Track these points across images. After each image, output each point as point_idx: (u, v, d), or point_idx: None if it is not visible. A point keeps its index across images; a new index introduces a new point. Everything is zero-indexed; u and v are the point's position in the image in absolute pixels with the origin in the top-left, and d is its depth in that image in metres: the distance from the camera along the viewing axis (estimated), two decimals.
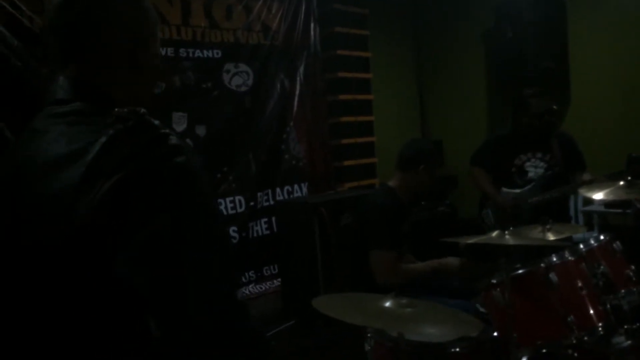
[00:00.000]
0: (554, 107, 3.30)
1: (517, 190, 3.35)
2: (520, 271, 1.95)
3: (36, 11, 3.28)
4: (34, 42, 3.26)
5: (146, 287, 0.75)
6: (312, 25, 4.71)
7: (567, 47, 4.80)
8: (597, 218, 4.51)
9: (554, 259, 1.93)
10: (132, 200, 0.76)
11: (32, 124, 0.93)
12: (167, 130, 0.83)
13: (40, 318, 0.83)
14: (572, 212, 4.44)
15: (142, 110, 0.85)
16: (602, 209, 4.31)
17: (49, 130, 0.89)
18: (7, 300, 0.87)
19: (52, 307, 0.82)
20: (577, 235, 3.11)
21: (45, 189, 0.82)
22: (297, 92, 4.64)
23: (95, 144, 0.80)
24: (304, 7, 4.65)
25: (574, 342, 1.77)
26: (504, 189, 3.39)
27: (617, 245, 2.07)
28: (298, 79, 4.65)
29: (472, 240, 1.96)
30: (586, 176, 3.19)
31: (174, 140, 0.82)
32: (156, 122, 0.84)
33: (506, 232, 1.88)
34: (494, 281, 1.96)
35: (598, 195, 2.58)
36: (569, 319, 1.80)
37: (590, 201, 4.24)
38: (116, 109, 0.84)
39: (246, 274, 4.23)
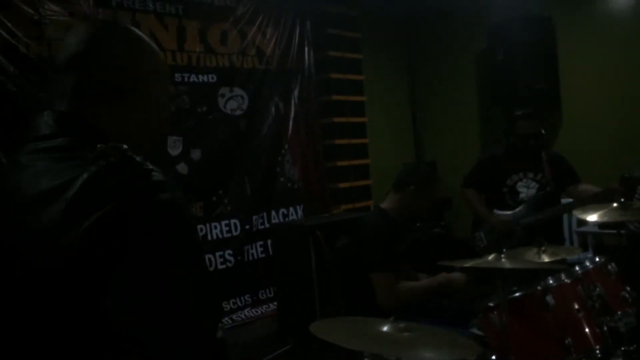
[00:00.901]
0: (541, 131, 3.34)
1: (509, 212, 3.37)
2: (517, 294, 1.96)
3: (32, 37, 3.31)
4: (30, 68, 3.28)
5: (131, 322, 0.75)
6: (306, 49, 4.77)
7: (558, 68, 4.87)
8: (592, 239, 4.52)
9: (550, 282, 1.94)
10: (114, 237, 0.75)
11: (15, 157, 0.92)
12: (151, 167, 0.83)
13: (25, 349, 0.82)
14: (566, 234, 4.46)
15: (125, 146, 0.84)
16: (596, 229, 4.32)
17: (32, 165, 0.88)
18: None
19: (38, 344, 0.81)
20: (572, 257, 3.12)
21: (28, 225, 0.82)
22: (292, 115, 4.67)
23: (77, 181, 0.79)
24: (298, 32, 4.71)
25: None
26: (496, 211, 3.41)
27: (612, 266, 2.08)
28: (293, 102, 4.69)
29: (468, 264, 1.96)
30: (583, 186, 3.22)
31: (157, 176, 0.81)
32: (139, 158, 0.83)
33: (502, 255, 1.88)
34: (491, 304, 1.96)
35: (592, 217, 2.59)
36: (566, 341, 1.80)
37: (584, 222, 4.26)
38: (99, 145, 0.84)
39: (242, 297, 4.21)
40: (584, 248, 4.27)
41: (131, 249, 0.75)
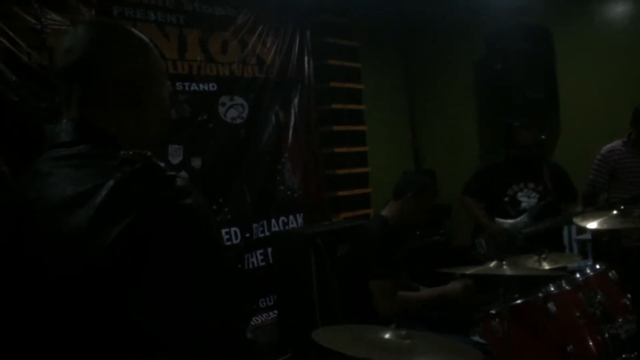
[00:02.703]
0: (542, 138, 3.36)
1: (511, 221, 3.38)
2: (518, 301, 1.96)
3: (34, 47, 3.32)
4: (31, 77, 3.29)
5: (159, 327, 0.76)
6: (305, 58, 4.79)
7: (556, 77, 4.90)
8: (591, 246, 4.53)
9: (552, 289, 1.95)
10: (142, 244, 0.77)
11: (35, 166, 0.93)
12: (173, 173, 0.84)
13: (53, 356, 0.83)
14: (566, 241, 4.47)
15: (148, 152, 0.86)
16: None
17: (53, 173, 0.89)
18: (19, 341, 0.87)
19: (64, 345, 0.82)
20: (572, 264, 3.13)
21: (53, 232, 0.82)
22: (292, 123, 4.69)
23: (103, 187, 0.80)
24: (297, 41, 4.74)
25: None
26: (497, 219, 3.42)
27: (612, 274, 2.09)
28: (292, 110, 4.70)
29: (470, 270, 1.97)
30: (578, 208, 3.23)
31: (180, 182, 0.83)
32: (162, 164, 0.85)
33: (504, 262, 1.89)
34: (493, 311, 1.97)
35: (592, 225, 2.61)
36: (568, 349, 1.80)
37: (584, 230, 4.27)
38: (122, 152, 0.85)
39: None
40: (584, 256, 4.28)
41: (157, 254, 0.77)
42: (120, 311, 0.76)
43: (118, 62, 0.98)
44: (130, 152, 0.85)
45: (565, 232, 4.57)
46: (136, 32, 1.04)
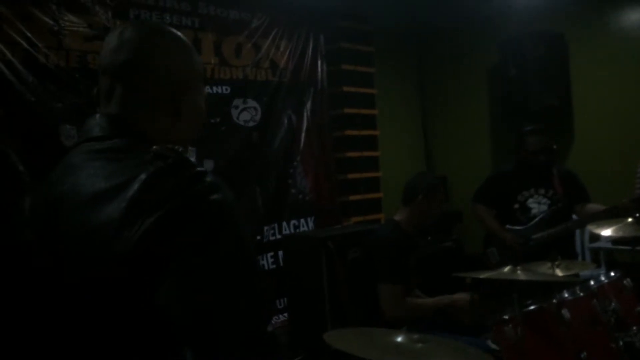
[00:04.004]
0: (552, 145, 3.34)
1: (522, 228, 3.36)
2: (532, 307, 1.95)
3: (51, 48, 3.36)
4: (48, 78, 3.33)
5: (184, 319, 0.77)
6: (319, 62, 4.81)
7: (570, 84, 4.88)
8: (604, 255, 4.49)
9: (566, 295, 1.93)
10: (172, 236, 0.79)
11: (67, 159, 0.96)
12: (203, 169, 0.86)
13: (82, 348, 0.85)
14: (578, 249, 4.44)
15: (180, 148, 0.88)
16: (609, 245, 4.30)
17: (85, 166, 0.91)
18: (50, 329, 0.89)
19: (93, 337, 0.84)
20: (585, 273, 3.11)
21: (85, 223, 0.84)
22: (304, 127, 4.70)
23: (135, 181, 0.82)
24: (311, 45, 4.76)
25: None
26: (508, 227, 3.40)
27: (627, 282, 2.08)
28: (305, 114, 4.72)
29: (484, 275, 1.97)
30: (593, 206, 3.21)
31: (209, 178, 0.85)
32: (193, 159, 0.86)
33: (518, 267, 1.88)
34: (506, 317, 1.96)
35: (606, 232, 2.60)
36: (582, 356, 1.79)
37: (597, 238, 4.24)
38: (154, 147, 0.87)
39: None
40: (597, 264, 4.25)
41: (185, 247, 0.78)
42: (147, 302, 0.77)
43: (162, 66, 1.00)
44: (162, 147, 0.87)
45: (578, 240, 4.54)
46: (182, 36, 1.06)
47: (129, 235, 0.78)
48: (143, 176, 0.83)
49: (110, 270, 0.80)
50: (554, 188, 3.37)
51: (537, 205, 3.39)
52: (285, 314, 4.20)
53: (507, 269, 1.92)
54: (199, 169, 0.86)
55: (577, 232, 4.27)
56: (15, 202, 2.98)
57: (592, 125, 4.84)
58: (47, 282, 0.88)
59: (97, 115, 0.99)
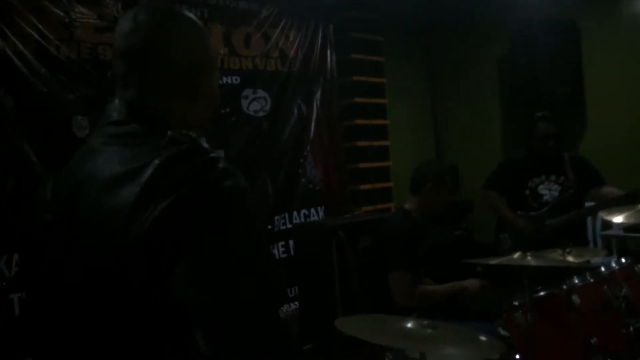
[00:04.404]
0: (559, 132, 3.33)
1: (534, 214, 3.35)
2: (542, 293, 1.95)
3: (63, 40, 3.38)
4: (60, 69, 3.36)
5: (195, 303, 0.78)
6: (328, 52, 4.81)
7: (582, 73, 4.83)
8: (616, 242, 4.47)
9: (576, 281, 1.93)
10: (184, 220, 0.80)
11: (88, 143, 0.98)
12: (217, 154, 0.87)
13: (95, 326, 0.87)
14: (590, 237, 4.42)
15: (194, 134, 0.89)
16: (621, 233, 4.27)
17: (104, 151, 0.93)
18: (64, 307, 0.92)
19: (106, 316, 0.86)
20: (596, 260, 3.09)
21: (102, 206, 0.86)
22: (314, 117, 4.71)
23: (150, 166, 0.84)
24: (320, 35, 4.75)
25: None
26: (520, 213, 3.39)
27: (638, 268, 2.07)
28: (315, 104, 4.72)
29: (494, 261, 1.97)
30: (608, 189, 3.19)
31: (222, 164, 0.86)
32: (206, 145, 0.88)
33: (528, 254, 1.89)
34: (516, 303, 1.96)
35: (618, 219, 2.58)
36: (592, 341, 1.79)
37: (609, 225, 4.21)
38: (169, 132, 0.88)
39: None
40: (609, 251, 4.23)
41: (197, 232, 0.79)
42: (160, 285, 0.79)
43: (176, 50, 1.01)
44: (177, 133, 0.88)
45: (589, 228, 4.52)
46: (195, 19, 1.06)
47: (142, 219, 0.80)
48: (157, 161, 0.84)
49: (124, 252, 0.82)
50: (565, 174, 3.36)
51: (548, 191, 3.38)
52: (296, 303, 4.23)
53: (517, 255, 1.93)
54: (212, 155, 0.87)
55: (589, 219, 4.25)
56: (30, 191, 3.02)
57: (604, 113, 4.80)
58: (65, 263, 0.91)
59: (116, 101, 1.00)
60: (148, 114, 0.98)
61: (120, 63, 1.02)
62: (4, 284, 3.07)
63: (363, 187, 4.93)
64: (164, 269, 0.79)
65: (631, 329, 1.84)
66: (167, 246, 0.79)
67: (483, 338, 1.84)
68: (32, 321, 1.02)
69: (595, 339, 1.79)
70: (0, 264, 3.07)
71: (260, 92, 4.37)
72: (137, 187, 0.83)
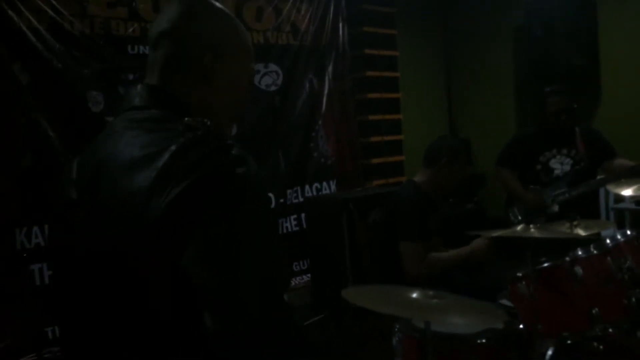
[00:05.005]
0: (572, 106, 3.30)
1: (545, 188, 3.36)
2: (545, 264, 1.99)
3: (76, 15, 3.42)
4: (74, 45, 3.40)
5: (203, 282, 0.83)
6: (340, 25, 4.78)
7: (598, 44, 4.76)
8: (630, 216, 4.46)
9: (579, 253, 1.96)
10: (197, 204, 0.85)
11: (111, 126, 1.03)
12: (231, 142, 0.92)
13: (113, 299, 0.93)
14: (603, 211, 4.41)
15: (209, 121, 0.93)
16: (633, 206, 4.26)
17: (125, 134, 0.98)
18: (85, 280, 0.98)
19: (123, 292, 0.91)
20: (607, 232, 3.10)
21: (121, 188, 0.91)
22: (326, 91, 4.71)
23: (166, 151, 0.88)
24: (332, 8, 4.72)
25: (599, 333, 1.80)
26: (531, 187, 3.40)
27: None
28: (327, 78, 4.72)
29: (497, 233, 2.00)
30: (620, 161, 3.18)
31: (235, 151, 0.91)
32: (220, 132, 0.93)
33: (531, 225, 1.91)
34: (519, 274, 2.00)
35: (627, 192, 2.59)
36: (593, 312, 1.83)
37: (622, 199, 4.20)
38: (186, 118, 0.93)
39: None
40: (621, 225, 4.22)
41: (209, 215, 0.84)
42: (173, 265, 0.84)
43: (194, 33, 1.04)
44: (194, 120, 0.93)
45: (602, 201, 4.51)
46: (224, 9, 1.09)
47: (157, 202, 0.84)
48: (173, 147, 0.88)
49: (141, 233, 0.86)
50: (577, 148, 3.35)
51: (560, 165, 3.38)
52: (308, 275, 4.31)
53: (520, 227, 1.95)
54: (226, 142, 0.92)
55: (602, 193, 4.24)
56: (47, 165, 3.10)
57: (620, 85, 4.74)
58: (87, 239, 0.96)
59: (139, 86, 1.05)
60: (168, 100, 1.02)
61: (150, 51, 1.07)
62: (25, 255, 3.17)
63: (375, 161, 4.95)
64: (177, 249, 0.83)
65: (633, 299, 1.87)
66: (181, 228, 0.84)
67: (487, 307, 1.88)
68: (58, 293, 1.07)
69: (596, 309, 1.83)
70: (20, 236, 3.17)
71: (272, 67, 4.38)
72: (154, 171, 0.87)
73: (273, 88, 4.38)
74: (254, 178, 0.90)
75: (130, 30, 3.60)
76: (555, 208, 3.23)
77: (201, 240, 0.83)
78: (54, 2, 3.31)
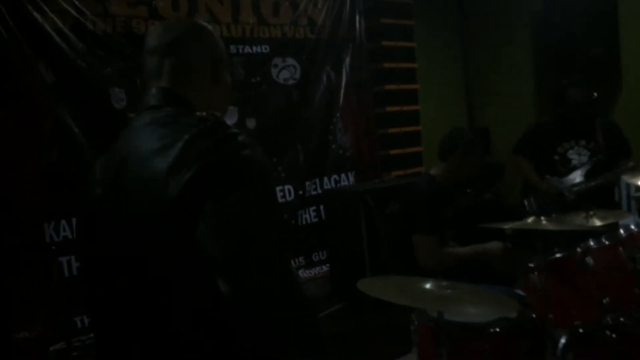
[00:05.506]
0: (591, 97, 3.29)
1: (562, 178, 3.37)
2: (557, 255, 2.02)
3: (99, 15, 3.51)
4: (97, 44, 3.50)
5: (215, 251, 0.94)
6: (357, 17, 4.80)
7: (618, 33, 4.70)
8: None
9: (591, 244, 1.99)
10: (209, 184, 0.97)
11: (132, 124, 1.17)
12: (237, 130, 1.05)
13: (136, 270, 1.05)
14: (624, 200, 4.38)
15: (219, 114, 1.09)
16: None
17: (144, 130, 1.12)
18: (107, 265, 1.11)
19: (144, 265, 1.04)
20: (624, 221, 3.10)
21: (142, 175, 1.04)
22: (343, 83, 4.74)
23: (180, 141, 1.02)
24: (349, 0, 4.74)
25: (610, 322, 1.83)
26: (548, 177, 3.41)
27: None
28: (344, 70, 4.75)
29: (507, 225, 2.03)
30: (631, 164, 3.17)
31: (241, 137, 1.03)
32: (229, 123, 1.07)
33: (542, 217, 1.94)
34: (532, 265, 2.03)
35: None
36: (604, 301, 1.86)
37: None
38: (198, 113, 1.09)
39: (296, 259, 4.39)
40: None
41: (220, 193, 0.97)
42: (189, 237, 0.96)
43: (201, 45, 1.24)
44: (204, 113, 1.08)
45: (623, 190, 4.48)
46: (210, 28, 1.30)
47: (174, 185, 0.97)
48: (186, 137, 1.02)
49: (160, 212, 0.99)
50: (595, 140, 3.34)
51: (578, 156, 3.38)
52: (327, 265, 4.38)
53: (530, 219, 1.99)
54: (233, 130, 1.05)
55: (623, 182, 4.21)
56: (73, 160, 3.23)
57: None
58: (114, 227, 1.09)
59: (153, 89, 1.20)
60: (179, 99, 1.18)
61: (154, 58, 1.22)
62: (54, 248, 3.29)
63: (393, 152, 4.98)
64: (192, 224, 0.95)
65: None
66: (194, 206, 0.96)
67: (499, 298, 1.92)
68: (87, 283, 1.20)
69: (607, 299, 1.86)
70: (49, 230, 3.29)
71: (290, 61, 4.43)
72: (170, 158, 1.00)
73: (291, 82, 4.43)
74: (258, 159, 1.03)
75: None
76: (573, 196, 3.24)
77: (212, 214, 0.95)
78: (76, 3, 3.40)
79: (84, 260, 1.39)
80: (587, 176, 3.28)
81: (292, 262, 4.36)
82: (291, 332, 0.99)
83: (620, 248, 1.95)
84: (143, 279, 1.04)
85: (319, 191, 4.56)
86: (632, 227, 2.12)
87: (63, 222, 3.32)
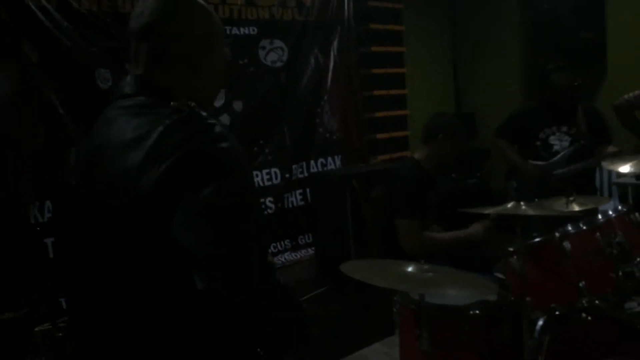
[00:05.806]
0: (577, 81, 3.31)
1: (543, 163, 3.40)
2: (536, 239, 2.06)
3: None
4: (82, 23, 3.46)
5: (191, 246, 0.92)
6: (345, 0, 4.78)
7: (605, 17, 4.73)
8: (632, 190, 4.49)
9: (569, 228, 2.03)
10: (184, 176, 0.94)
11: (105, 114, 1.12)
12: (213, 121, 1.01)
13: (113, 269, 1.03)
14: (604, 185, 4.45)
15: (193, 103, 1.02)
16: (634, 181, 4.30)
17: (117, 120, 1.07)
18: (88, 255, 1.09)
19: (121, 262, 1.02)
20: (603, 206, 3.16)
21: (116, 167, 1.01)
22: (331, 66, 4.74)
23: (155, 132, 0.98)
24: None
25: (586, 305, 1.88)
26: (530, 162, 3.45)
27: (634, 216, 2.15)
28: (332, 53, 4.74)
29: (488, 210, 2.07)
30: (611, 149, 3.22)
31: (218, 129, 0.99)
32: (204, 113, 1.02)
33: (522, 202, 1.98)
34: (511, 249, 2.07)
35: (624, 168, 2.63)
36: (580, 285, 1.90)
37: (623, 173, 4.24)
38: (172, 102, 1.02)
39: (282, 242, 4.43)
40: (624, 200, 4.26)
41: (195, 185, 0.93)
42: (164, 232, 0.93)
43: (181, 28, 1.11)
44: (179, 103, 1.02)
45: (604, 176, 4.54)
46: (200, 1, 1.16)
47: (148, 177, 0.94)
48: (160, 128, 0.98)
49: (135, 206, 0.96)
50: (577, 125, 3.38)
51: (559, 142, 3.41)
52: (312, 248, 4.41)
53: (511, 204, 2.02)
54: (209, 121, 1.00)
55: (596, 167, 4.27)
56: (58, 141, 3.20)
57: (626, 59, 4.72)
58: (88, 217, 1.06)
59: (128, 76, 1.13)
60: (154, 87, 1.10)
61: (133, 42, 1.13)
62: (38, 229, 3.29)
63: (380, 136, 5.01)
64: (167, 219, 0.92)
65: (620, 273, 1.94)
66: (169, 199, 0.92)
67: (478, 280, 1.96)
68: (63, 269, 1.17)
69: (583, 282, 1.90)
70: (33, 211, 3.29)
71: (278, 43, 4.42)
72: (144, 150, 0.96)
73: (279, 64, 4.42)
74: (235, 152, 0.98)
75: None
76: (559, 172, 3.28)
77: (188, 207, 0.92)
78: None
79: (59, 247, 1.33)
80: (568, 161, 3.32)
81: (278, 244, 4.40)
82: (272, 326, 0.98)
83: (598, 233, 2.00)
84: (118, 272, 1.02)
85: (306, 174, 4.58)
86: (610, 212, 2.16)
87: (48, 203, 3.31)
